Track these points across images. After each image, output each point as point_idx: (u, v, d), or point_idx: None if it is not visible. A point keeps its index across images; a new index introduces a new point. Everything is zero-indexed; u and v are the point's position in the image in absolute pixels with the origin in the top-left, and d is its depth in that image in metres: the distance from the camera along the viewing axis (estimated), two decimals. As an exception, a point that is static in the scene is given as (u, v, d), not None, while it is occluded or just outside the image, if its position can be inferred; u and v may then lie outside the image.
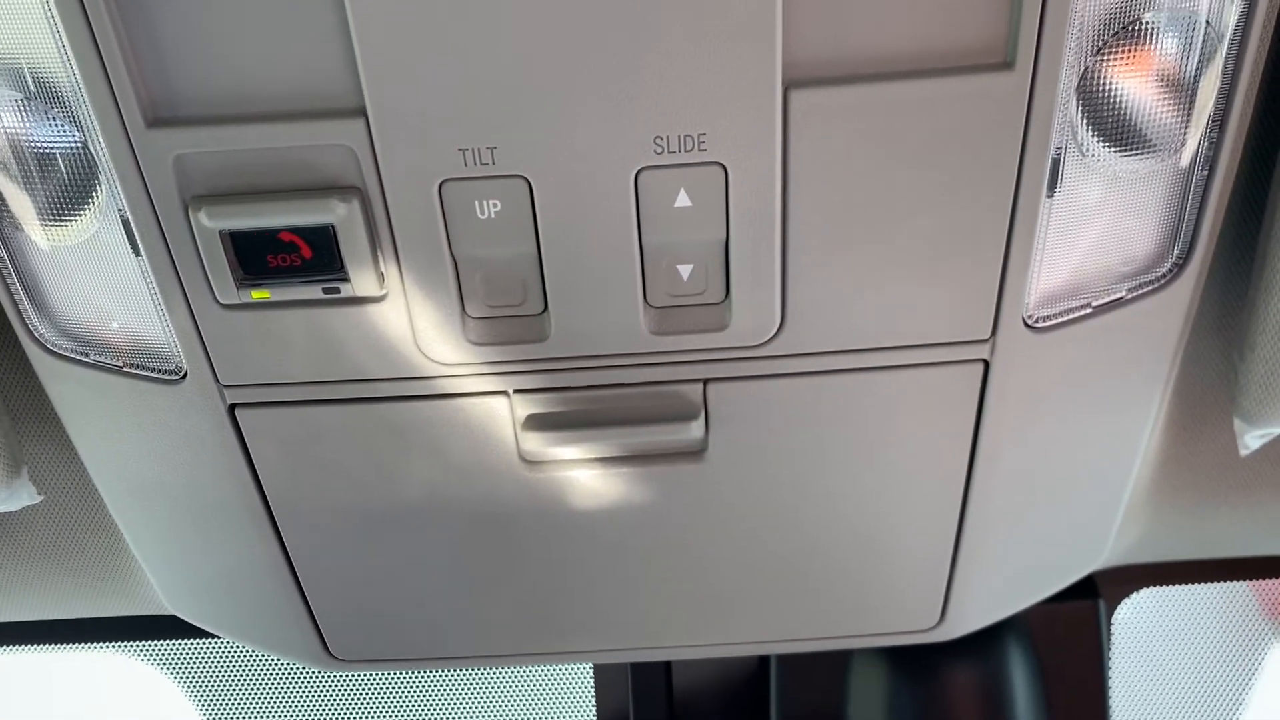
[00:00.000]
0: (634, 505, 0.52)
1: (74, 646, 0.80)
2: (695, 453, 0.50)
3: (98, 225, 0.44)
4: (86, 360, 0.48)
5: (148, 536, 0.59)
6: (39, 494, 0.55)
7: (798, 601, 0.57)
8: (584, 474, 0.50)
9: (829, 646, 0.60)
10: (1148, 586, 0.76)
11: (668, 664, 0.83)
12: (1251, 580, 0.78)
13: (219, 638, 0.68)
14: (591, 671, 0.86)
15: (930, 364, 0.47)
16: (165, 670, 0.90)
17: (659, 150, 0.40)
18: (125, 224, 0.43)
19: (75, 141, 0.42)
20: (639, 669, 0.82)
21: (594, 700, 0.86)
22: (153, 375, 0.48)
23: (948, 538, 0.54)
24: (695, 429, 0.48)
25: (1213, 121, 0.44)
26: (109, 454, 0.54)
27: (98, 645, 0.81)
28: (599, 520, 0.52)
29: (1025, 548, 0.58)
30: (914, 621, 0.58)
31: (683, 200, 0.42)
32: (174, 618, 0.67)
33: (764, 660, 0.80)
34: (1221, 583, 0.79)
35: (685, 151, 0.40)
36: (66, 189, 0.43)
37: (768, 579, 0.55)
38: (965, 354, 0.47)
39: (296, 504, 0.52)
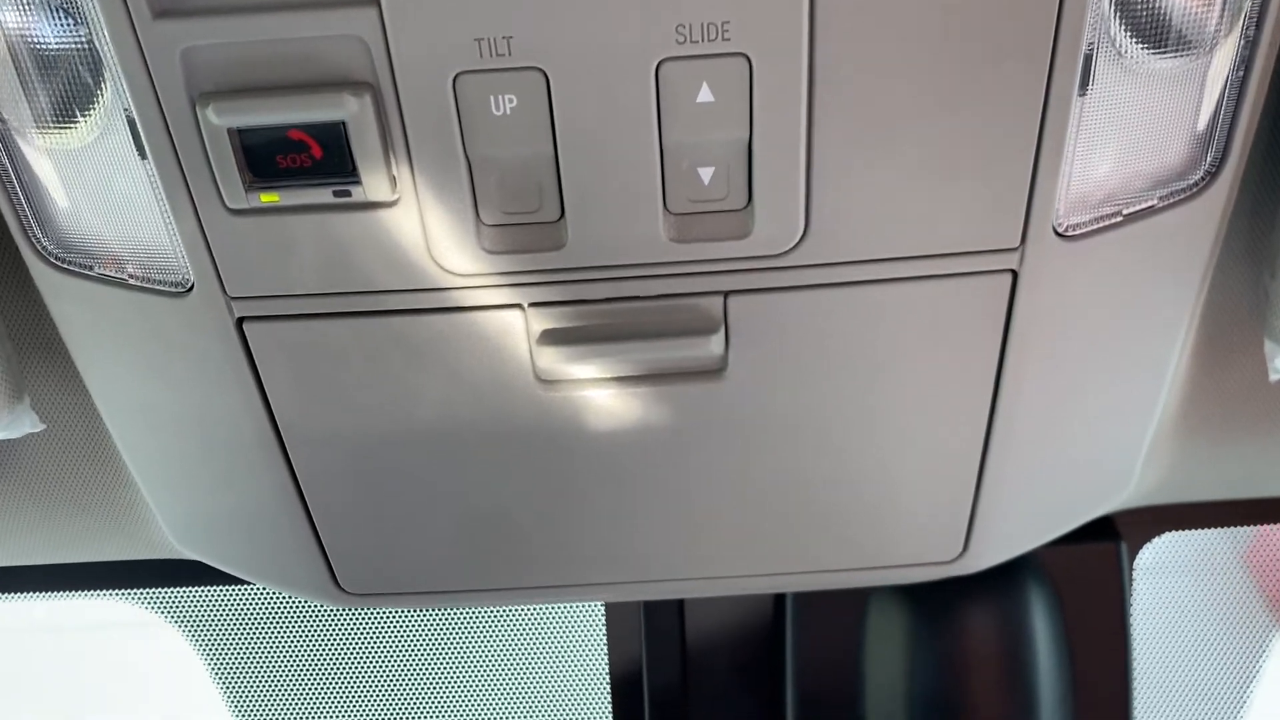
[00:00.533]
0: (651, 427, 0.50)
1: (77, 593, 0.79)
2: (714, 371, 0.49)
3: (102, 128, 0.43)
4: (91, 274, 0.47)
5: (154, 467, 0.58)
6: (40, 423, 0.54)
7: (817, 531, 0.55)
8: (600, 394, 0.49)
9: (848, 582, 0.59)
10: (1170, 530, 0.75)
11: (680, 605, 0.81)
12: (1276, 523, 0.76)
13: (226, 585, 0.68)
14: (603, 614, 0.85)
15: (957, 274, 0.46)
16: (171, 619, 0.89)
17: (681, 40, 0.39)
18: (131, 125, 0.42)
19: (79, 37, 0.40)
20: (651, 610, 0.81)
21: (606, 643, 0.85)
22: (159, 288, 0.47)
23: (972, 462, 0.52)
24: (715, 344, 0.47)
25: (1250, 19, 0.43)
26: (114, 378, 0.53)
27: (102, 592, 0.80)
28: (614, 444, 0.51)
29: (1050, 475, 0.56)
30: (936, 553, 0.57)
31: (705, 95, 0.41)
32: (180, 563, 0.65)
33: (779, 603, 0.79)
34: (1247, 527, 0.78)
35: (709, 41, 0.39)
36: (70, 89, 0.42)
37: (787, 506, 0.54)
38: (993, 263, 0.45)
39: (306, 427, 0.51)
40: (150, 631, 0.88)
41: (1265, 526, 0.86)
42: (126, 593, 0.82)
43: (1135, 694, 0.77)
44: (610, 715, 0.86)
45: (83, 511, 0.64)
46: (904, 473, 0.53)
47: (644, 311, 0.47)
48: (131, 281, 0.47)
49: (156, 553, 0.66)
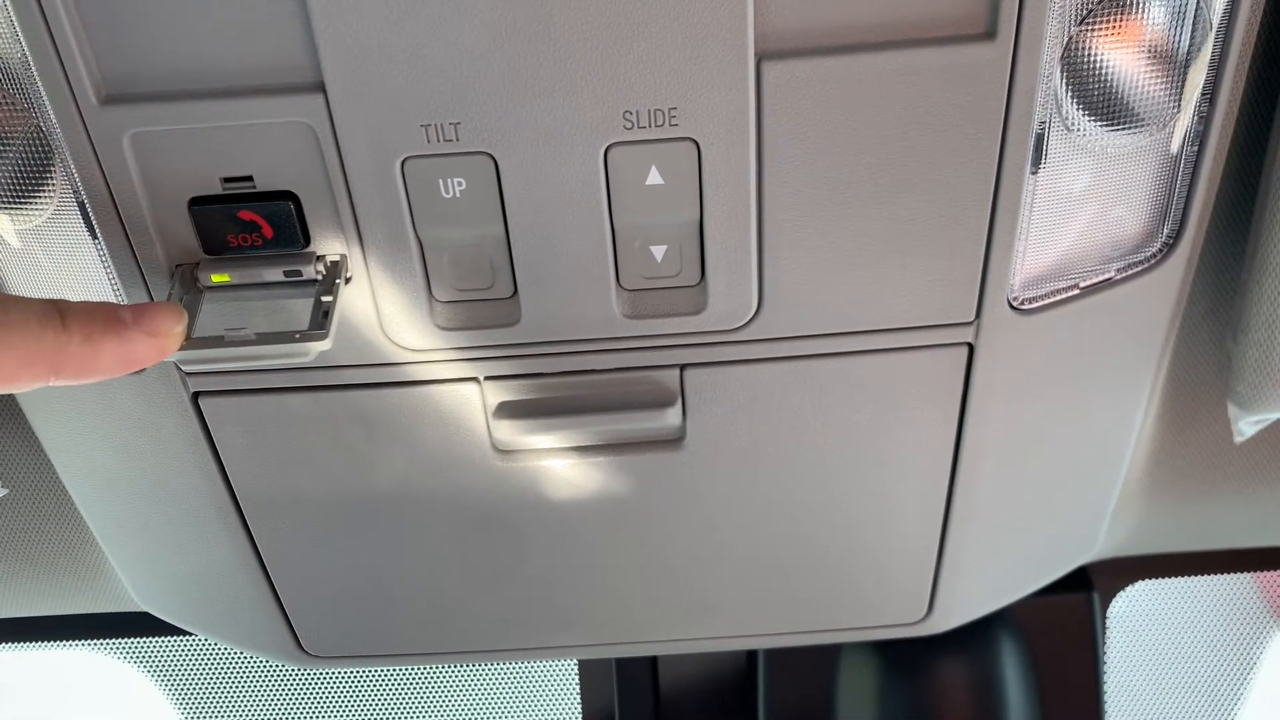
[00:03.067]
0: (612, 496, 0.50)
1: (43, 645, 0.79)
2: (673, 441, 0.49)
3: (52, 208, 0.42)
4: (46, 348, 0.47)
5: (115, 531, 0.57)
6: (3, 487, 0.54)
7: (782, 594, 0.55)
8: (559, 464, 0.49)
9: (816, 640, 0.58)
10: (1143, 579, 0.75)
11: (653, 661, 0.81)
12: (1250, 572, 0.76)
13: (191, 634, 0.67)
14: (576, 669, 0.85)
15: (913, 347, 0.46)
16: (139, 667, 0.88)
17: (629, 125, 0.39)
18: (81, 206, 0.42)
19: (27, 122, 0.40)
20: (624, 665, 0.81)
21: (579, 697, 0.84)
22: (113, 364, 0.47)
23: (934, 527, 0.52)
24: (672, 416, 0.47)
25: (1203, 95, 0.43)
26: (74, 447, 0.53)
27: (67, 643, 0.80)
28: (576, 512, 0.51)
29: (1014, 539, 0.56)
30: (901, 614, 0.57)
31: (654, 178, 0.40)
32: (145, 614, 0.65)
33: (751, 656, 0.79)
34: (1219, 575, 0.78)
35: (656, 127, 0.39)
36: (19, 171, 0.42)
37: (751, 571, 0.54)
38: (949, 337, 0.45)
39: (264, 496, 0.50)
40: (118, 678, 0.88)
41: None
42: (94, 643, 0.82)
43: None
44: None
45: (48, 569, 0.64)
46: (865, 540, 0.53)
47: (601, 384, 0.47)
48: (86, 356, 0.47)
49: (123, 606, 0.66)
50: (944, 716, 0.72)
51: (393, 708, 0.94)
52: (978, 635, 0.72)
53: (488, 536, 0.52)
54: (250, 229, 0.41)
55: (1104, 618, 0.75)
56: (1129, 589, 0.75)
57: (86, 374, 0.36)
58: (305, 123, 0.39)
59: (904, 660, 0.73)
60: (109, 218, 0.41)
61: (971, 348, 0.46)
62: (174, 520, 0.53)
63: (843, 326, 0.45)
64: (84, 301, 0.36)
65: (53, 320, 0.35)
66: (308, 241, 0.42)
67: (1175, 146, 0.44)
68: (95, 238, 0.42)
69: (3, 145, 0.41)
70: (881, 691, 0.73)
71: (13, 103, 0.40)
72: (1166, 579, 0.76)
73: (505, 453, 0.49)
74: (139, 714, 0.98)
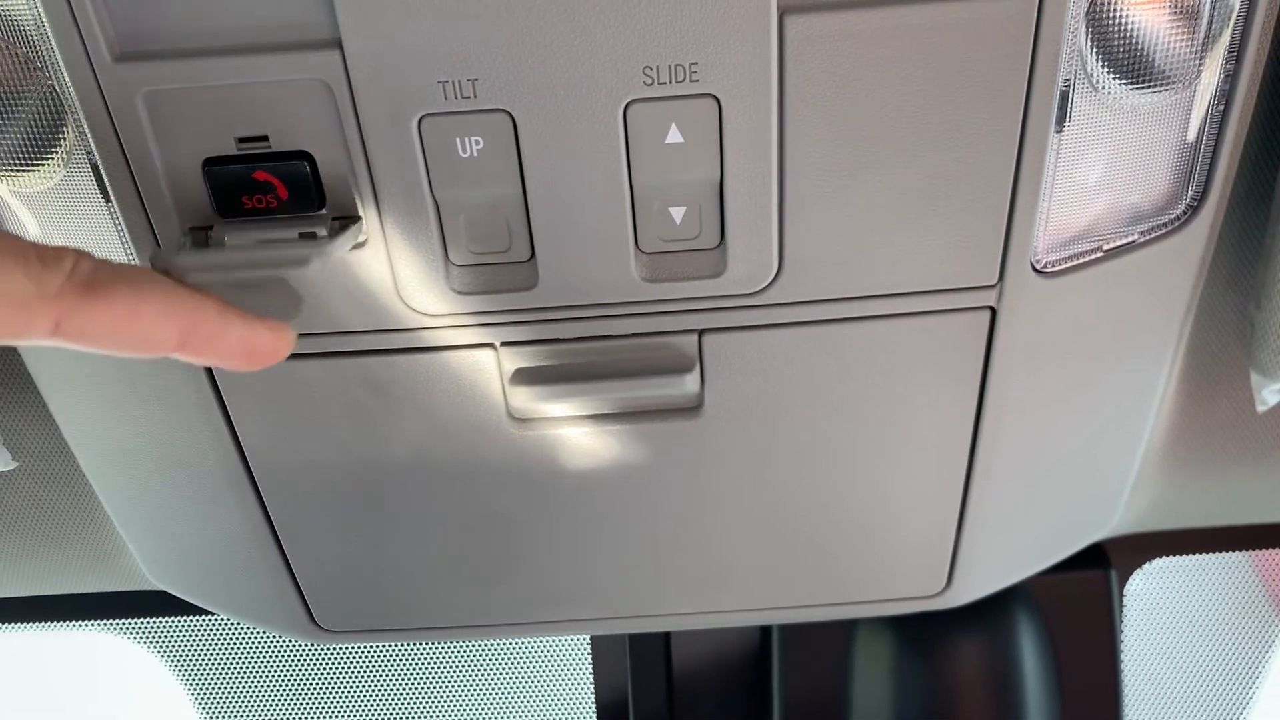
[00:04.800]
0: (628, 466, 0.50)
1: (56, 625, 0.78)
2: (690, 409, 0.48)
3: (64, 170, 0.42)
4: (58, 315, 0.47)
5: (127, 505, 0.57)
6: (14, 460, 0.53)
7: (799, 566, 0.55)
8: (575, 433, 0.48)
9: (832, 615, 0.58)
10: (1161, 556, 0.74)
11: (667, 638, 0.81)
12: (1271, 549, 0.75)
13: (205, 614, 0.67)
14: (589, 645, 0.84)
15: (935, 312, 0.45)
16: (150, 648, 0.88)
17: (648, 81, 0.38)
18: (94, 168, 0.41)
19: (40, 81, 0.40)
20: (637, 642, 0.80)
21: (591, 673, 0.84)
22: (126, 330, 0.46)
23: (953, 497, 0.52)
24: (690, 382, 0.46)
25: (1229, 53, 0.42)
26: (85, 417, 0.52)
27: (81, 623, 0.79)
28: (591, 482, 0.51)
29: (1034, 510, 0.56)
30: (919, 587, 0.56)
31: (674, 136, 0.40)
32: (159, 594, 0.65)
33: (765, 634, 0.78)
34: (1238, 552, 0.77)
35: (676, 83, 0.38)
36: (32, 132, 0.41)
37: (767, 542, 0.54)
38: (971, 301, 0.45)
39: (278, 466, 0.50)
40: (130, 659, 0.87)
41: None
42: (105, 623, 0.82)
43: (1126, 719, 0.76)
44: (596, 746, 0.86)
45: (59, 545, 0.63)
46: (884, 509, 0.52)
47: (618, 350, 0.46)
48: (98, 323, 0.46)
49: (134, 585, 0.66)
50: (960, 694, 0.72)
51: (405, 690, 0.94)
52: (994, 613, 0.72)
53: (502, 507, 0.52)
54: (265, 190, 0.41)
55: (1121, 595, 0.74)
56: (1146, 566, 0.74)
57: (203, 350, 0.36)
58: (321, 80, 0.38)
59: (920, 638, 0.72)
60: (122, 179, 0.41)
61: (994, 312, 0.45)
62: (187, 492, 0.52)
63: (864, 290, 0.44)
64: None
65: (187, 291, 0.35)
66: (323, 203, 0.41)
67: (1200, 106, 0.43)
68: (108, 200, 0.42)
69: (15, 106, 0.41)
70: (897, 668, 0.73)
71: (25, 62, 0.40)
72: (1184, 556, 0.75)
73: (521, 421, 0.48)
74: (150, 696, 0.97)
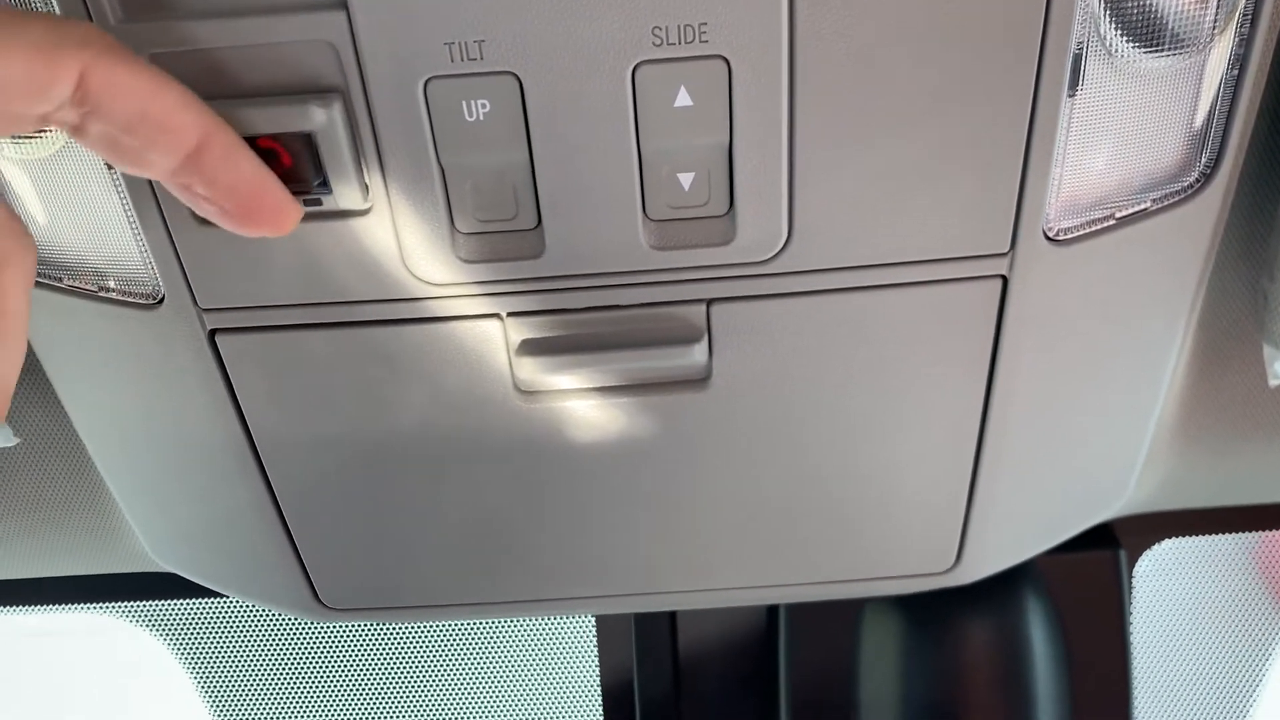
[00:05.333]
0: (634, 438, 0.49)
1: (59, 607, 0.78)
2: (698, 380, 0.48)
3: (68, 137, 0.42)
4: (60, 286, 0.46)
5: (130, 481, 0.57)
6: (15, 435, 0.53)
7: (806, 541, 0.54)
8: (581, 405, 0.48)
9: (839, 593, 0.57)
10: (1171, 537, 0.74)
11: (672, 618, 0.80)
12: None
13: (209, 594, 0.67)
14: (594, 626, 0.84)
15: (946, 280, 0.45)
16: (154, 630, 0.88)
17: (657, 42, 0.38)
18: (97, 134, 0.41)
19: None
20: (642, 624, 0.80)
21: (597, 655, 0.83)
22: (129, 300, 0.46)
23: (964, 472, 0.51)
24: (698, 353, 0.46)
25: (1244, 16, 0.42)
26: (88, 391, 0.52)
27: (83, 605, 0.79)
28: (597, 455, 0.50)
29: (1045, 484, 0.55)
30: (929, 564, 0.56)
31: (683, 99, 0.39)
32: (162, 574, 0.64)
33: (772, 615, 0.78)
34: (1249, 533, 0.77)
35: (685, 44, 0.38)
36: (34, 97, 0.41)
37: (775, 518, 0.53)
38: (983, 269, 0.44)
39: (282, 440, 0.50)
40: (132, 640, 0.87)
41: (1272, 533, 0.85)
42: (108, 606, 0.81)
43: (1135, 702, 0.76)
44: (601, 728, 0.86)
45: (61, 525, 0.63)
46: (893, 483, 0.52)
47: (625, 320, 0.46)
48: (102, 294, 0.46)
49: (137, 566, 0.65)
50: (969, 675, 0.71)
51: (407, 671, 0.93)
52: (1003, 594, 0.71)
53: (508, 480, 0.51)
54: (269, 156, 0.40)
55: (1130, 576, 0.74)
56: (1156, 547, 0.74)
57: (225, 170, 0.35)
58: (327, 41, 0.38)
59: (928, 618, 0.72)
60: None
61: (1005, 280, 0.45)
62: (189, 467, 0.52)
63: (874, 258, 0.44)
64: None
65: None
66: (325, 175, 0.41)
67: (1214, 71, 0.43)
68: (111, 168, 0.42)
69: (17, 69, 0.40)
70: (905, 649, 0.72)
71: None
72: (1194, 537, 0.74)
73: (527, 393, 0.48)
74: (152, 676, 0.97)
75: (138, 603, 0.82)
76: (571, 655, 0.90)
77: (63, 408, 0.54)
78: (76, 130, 0.34)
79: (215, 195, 0.36)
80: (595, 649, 0.83)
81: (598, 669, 0.84)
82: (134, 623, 0.85)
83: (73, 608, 0.78)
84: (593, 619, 0.84)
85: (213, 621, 0.89)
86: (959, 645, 0.71)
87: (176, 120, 0.34)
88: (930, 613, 0.72)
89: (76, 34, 0.31)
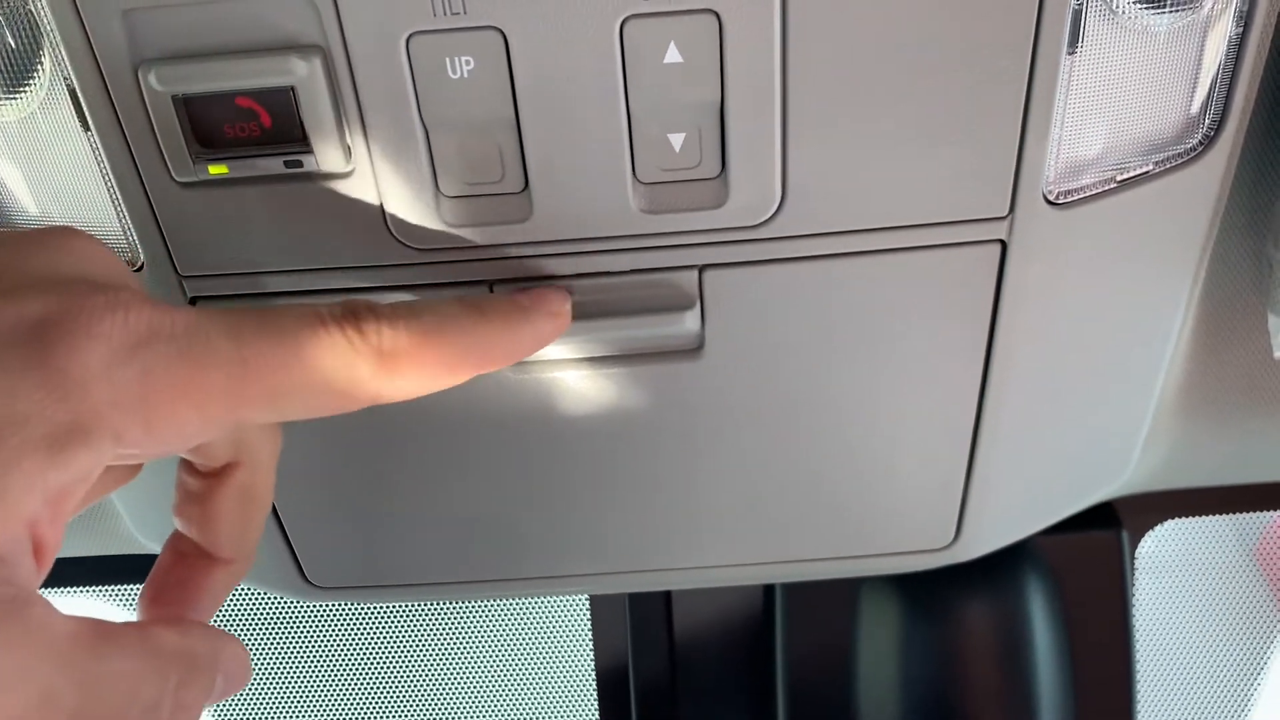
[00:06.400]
0: (626, 410, 0.48)
1: (43, 591, 0.77)
2: (691, 350, 0.47)
3: (42, 98, 0.41)
4: (38, 254, 0.45)
5: (114, 456, 0.56)
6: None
7: (803, 517, 0.53)
8: (571, 375, 0.47)
9: (836, 571, 0.56)
10: (1174, 517, 0.73)
11: (667, 599, 0.79)
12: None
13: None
14: (588, 609, 0.83)
15: (944, 245, 0.44)
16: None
17: None
18: (72, 94, 0.40)
19: (13, 2, 0.38)
20: (637, 603, 0.79)
21: (591, 636, 0.82)
22: (108, 268, 0.45)
23: (962, 445, 0.50)
24: (690, 320, 0.45)
25: (1249, -29, 0.41)
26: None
27: (69, 589, 0.78)
28: (588, 428, 0.49)
29: (1045, 458, 0.54)
30: (927, 540, 0.55)
31: (673, 55, 0.38)
32: (149, 558, 0.63)
33: (768, 596, 0.77)
34: (1254, 513, 0.76)
35: None
36: (5, 58, 0.40)
37: (770, 492, 0.52)
38: (981, 233, 0.43)
39: None
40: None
41: (1274, 515, 0.84)
42: (94, 589, 0.80)
43: (1138, 685, 0.75)
44: (596, 710, 0.84)
45: None
46: (891, 456, 0.51)
47: (615, 288, 0.45)
48: (80, 261, 0.45)
49: (123, 548, 0.64)
50: (969, 656, 0.70)
51: (399, 654, 0.93)
52: (1004, 574, 0.70)
53: (496, 454, 0.50)
54: (248, 117, 0.39)
55: (1133, 557, 0.73)
56: (1159, 527, 0.73)
57: (507, 360, 0.39)
58: None
59: (926, 598, 0.71)
60: (101, 106, 0.39)
61: (1004, 245, 0.44)
62: (174, 441, 0.51)
63: (869, 223, 0.43)
64: (488, 296, 0.42)
65: (474, 313, 0.37)
66: (305, 134, 0.40)
67: (1219, 28, 0.42)
68: (87, 129, 0.41)
69: (-11, 28, 0.39)
70: (903, 630, 0.71)
71: (-2, -20, 0.38)
72: (1197, 518, 0.73)
73: (516, 364, 0.47)
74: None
75: (124, 585, 0.81)
76: (566, 637, 0.90)
77: None
78: None
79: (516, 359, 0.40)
80: (590, 631, 0.82)
81: (592, 651, 0.83)
82: (121, 605, 0.84)
83: (58, 591, 0.77)
84: (587, 600, 0.83)
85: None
86: (958, 626, 0.71)
87: (458, 374, 0.38)
88: (929, 593, 0.71)
89: (364, 370, 0.35)
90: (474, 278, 0.44)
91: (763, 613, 0.78)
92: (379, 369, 0.34)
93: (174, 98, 0.39)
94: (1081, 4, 0.39)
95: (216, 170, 0.40)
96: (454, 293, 0.44)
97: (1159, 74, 0.42)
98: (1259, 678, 0.88)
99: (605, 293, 0.45)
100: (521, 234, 0.43)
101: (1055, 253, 0.44)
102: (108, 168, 0.41)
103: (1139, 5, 0.40)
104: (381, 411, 0.48)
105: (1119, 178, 0.44)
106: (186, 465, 0.41)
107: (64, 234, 0.34)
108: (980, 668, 0.70)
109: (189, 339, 0.31)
